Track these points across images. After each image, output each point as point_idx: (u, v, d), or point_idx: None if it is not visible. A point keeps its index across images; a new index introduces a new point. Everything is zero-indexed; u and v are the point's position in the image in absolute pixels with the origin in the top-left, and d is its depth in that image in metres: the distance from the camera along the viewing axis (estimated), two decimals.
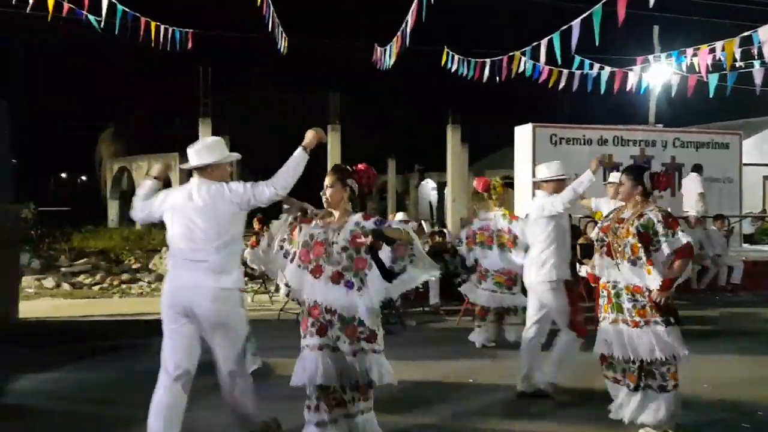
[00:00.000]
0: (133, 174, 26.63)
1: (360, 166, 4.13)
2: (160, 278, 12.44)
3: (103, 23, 8.23)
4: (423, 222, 10.92)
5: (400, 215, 9.88)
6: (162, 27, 9.40)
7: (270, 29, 9.83)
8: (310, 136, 4.02)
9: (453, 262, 9.96)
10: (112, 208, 27.57)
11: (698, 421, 4.69)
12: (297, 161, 3.92)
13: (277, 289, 9.70)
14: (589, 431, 4.54)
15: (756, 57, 9.23)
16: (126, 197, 27.81)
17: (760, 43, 7.42)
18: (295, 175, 3.91)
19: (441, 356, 6.66)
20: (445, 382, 5.65)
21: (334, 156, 17.38)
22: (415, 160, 28.76)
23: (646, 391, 4.38)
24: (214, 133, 20.53)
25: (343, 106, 17.57)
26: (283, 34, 10.57)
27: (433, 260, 9.30)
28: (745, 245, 14.04)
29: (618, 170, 11.79)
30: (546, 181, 5.28)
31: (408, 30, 7.39)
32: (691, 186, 12.18)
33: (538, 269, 5.13)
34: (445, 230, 11.74)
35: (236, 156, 4.19)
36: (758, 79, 9.25)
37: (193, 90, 18.38)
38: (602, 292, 4.54)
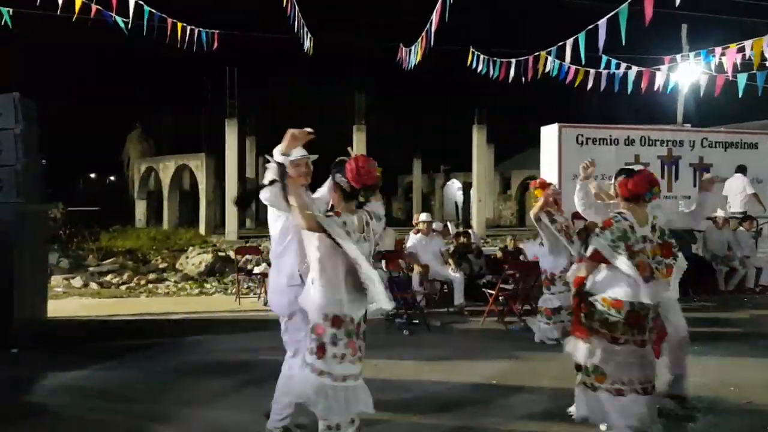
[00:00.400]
0: (159, 174, 27.00)
1: (353, 158, 3.72)
2: (186, 278, 12.59)
3: (130, 24, 8.35)
4: (448, 223, 10.89)
5: (424, 216, 9.87)
6: (188, 28, 9.52)
7: (296, 30, 9.89)
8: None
9: (478, 263, 9.94)
10: (140, 208, 27.98)
11: (725, 424, 4.62)
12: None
13: None
14: None
15: None
16: (153, 197, 28.23)
17: None
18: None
19: (465, 357, 6.64)
20: (468, 383, 5.64)
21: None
22: (441, 161, 28.70)
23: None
24: (240, 134, 20.85)
25: (369, 106, 17.63)
26: (309, 35, 10.62)
27: (458, 261, 9.36)
28: None
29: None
30: None
31: (432, 30, 7.38)
32: (735, 186, 11.96)
33: None
34: (470, 231, 11.70)
35: None
36: None
37: (219, 91, 18.56)
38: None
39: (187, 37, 9.52)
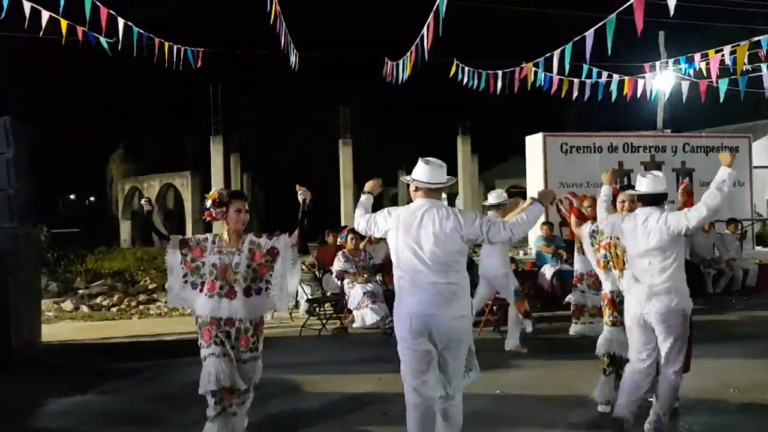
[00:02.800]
0: (144, 193, 26.82)
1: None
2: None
3: (120, 45, 8.36)
4: None
5: None
6: (175, 47, 9.55)
7: (282, 45, 9.95)
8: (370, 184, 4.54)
9: (470, 274, 9.99)
10: (124, 229, 27.71)
11: (729, 426, 4.71)
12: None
13: (297, 306, 9.76)
14: None
15: (764, 60, 9.31)
16: (138, 217, 27.97)
17: None
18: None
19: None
20: (473, 394, 5.66)
21: (345, 169, 17.50)
22: None
23: None
24: (226, 150, 20.80)
25: (355, 120, 17.69)
26: (294, 50, 10.69)
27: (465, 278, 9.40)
28: (758, 248, 14.03)
29: (628, 177, 11.92)
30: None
31: (425, 45, 7.47)
32: None
33: None
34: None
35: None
36: (767, 82, 9.32)
37: (204, 108, 18.53)
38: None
39: (174, 56, 9.56)
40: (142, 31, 8.62)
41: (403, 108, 19.76)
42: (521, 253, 12.69)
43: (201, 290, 4.32)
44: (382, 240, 4.58)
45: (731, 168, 4.32)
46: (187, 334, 8.79)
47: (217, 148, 19.21)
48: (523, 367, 6.67)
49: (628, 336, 4.63)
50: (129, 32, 8.34)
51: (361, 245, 9.01)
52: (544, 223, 10.21)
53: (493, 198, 7.58)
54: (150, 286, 13.95)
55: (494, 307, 8.46)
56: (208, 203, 4.30)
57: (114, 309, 11.66)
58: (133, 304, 11.98)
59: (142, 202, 4.66)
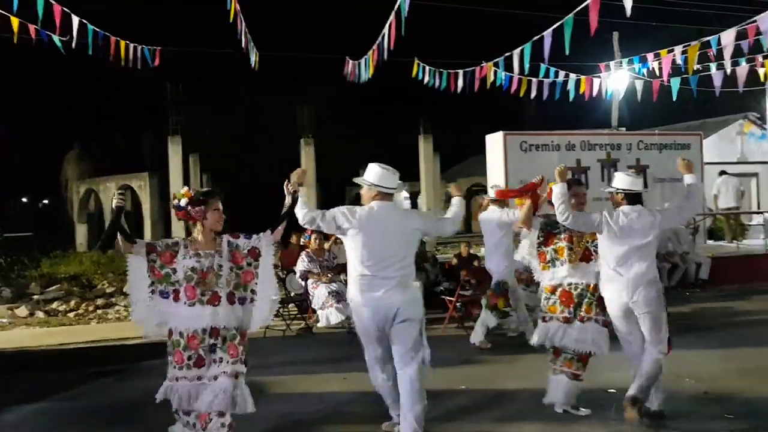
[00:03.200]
0: (100, 195, 26.22)
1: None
2: None
3: (74, 43, 8.18)
4: None
5: None
6: (131, 45, 9.38)
7: (243, 44, 9.86)
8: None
9: (433, 271, 10.09)
10: (80, 232, 27.06)
11: (685, 414, 4.87)
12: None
13: None
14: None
15: (714, 60, 9.62)
16: (94, 220, 27.36)
17: (719, 47, 7.76)
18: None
19: (434, 365, 6.71)
20: (438, 390, 5.73)
21: (308, 169, 17.41)
22: None
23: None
24: (184, 151, 20.49)
25: (317, 119, 17.62)
26: (255, 49, 10.61)
27: (415, 269, 9.49)
28: (710, 241, 14.48)
29: (586, 174, 12.19)
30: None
31: (386, 44, 7.50)
32: (730, 184, 14.53)
33: None
34: (423, 240, 11.84)
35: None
36: (717, 81, 9.63)
37: (161, 108, 18.23)
38: (549, 294, 5.14)
39: (130, 54, 9.39)
40: (97, 29, 8.45)
41: (366, 107, 19.80)
42: (482, 249, 12.83)
43: (176, 299, 3.94)
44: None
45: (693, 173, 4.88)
46: (147, 337, 8.68)
47: (175, 148, 18.92)
48: (487, 362, 6.77)
49: (617, 325, 4.86)
50: (83, 30, 8.17)
51: (326, 245, 9.01)
52: None
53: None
54: (108, 290, 13.67)
55: (458, 304, 8.55)
56: (183, 202, 3.96)
57: (71, 314, 11.39)
58: (91, 308, 11.72)
59: (115, 195, 4.11)
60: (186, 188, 4.13)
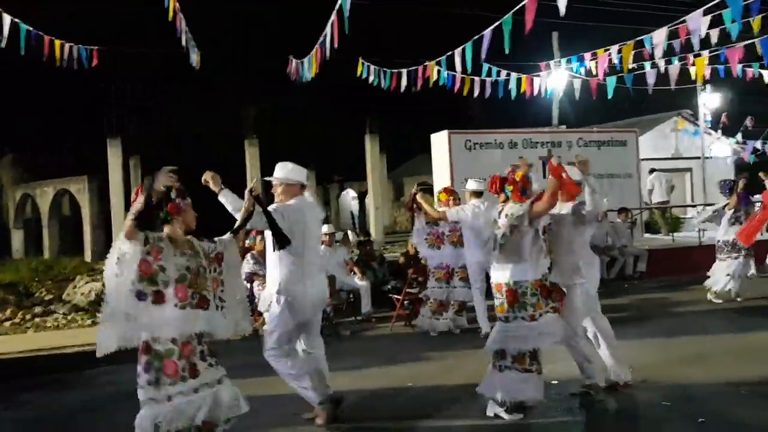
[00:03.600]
0: (37, 200, 25.30)
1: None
2: (76, 309, 11.87)
3: (4, 42, 7.85)
4: (348, 231, 11.00)
5: (325, 227, 9.92)
6: (67, 45, 9.07)
7: (183, 43, 9.66)
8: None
9: (381, 270, 10.12)
10: (17, 238, 26.04)
11: (625, 402, 5.02)
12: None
13: None
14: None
15: (648, 59, 9.94)
16: (30, 225, 26.36)
17: (652, 46, 8.03)
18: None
19: (379, 363, 6.75)
20: (384, 388, 5.76)
21: (253, 170, 17.22)
22: (334, 171, 28.84)
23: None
24: (125, 153, 19.96)
25: (261, 119, 17.40)
26: (196, 48, 10.41)
27: (363, 269, 9.53)
28: (647, 235, 15.00)
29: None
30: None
31: (328, 43, 7.47)
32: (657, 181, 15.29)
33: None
34: (371, 239, 11.88)
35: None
36: (651, 79, 9.96)
37: (100, 110, 17.68)
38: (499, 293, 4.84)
39: (65, 55, 9.09)
40: (30, 29, 8.14)
41: (312, 107, 19.60)
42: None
43: (158, 302, 3.54)
44: None
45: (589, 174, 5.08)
46: (88, 345, 8.41)
47: (114, 151, 18.39)
48: (434, 359, 6.83)
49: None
50: (16, 30, 7.86)
51: None
52: None
53: (473, 185, 7.64)
54: (46, 298, 13.22)
55: (405, 302, 8.60)
56: (174, 194, 3.69)
57: (7, 323, 10.96)
58: (28, 317, 11.30)
59: (163, 173, 3.74)
60: (170, 179, 3.83)
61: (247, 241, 9.17)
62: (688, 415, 4.71)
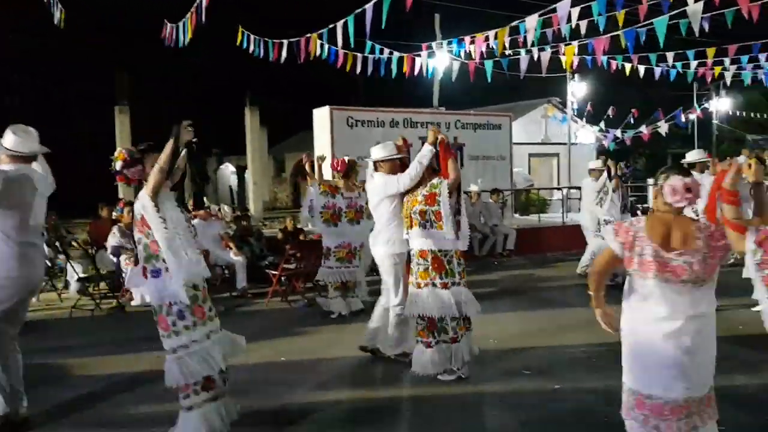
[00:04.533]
0: None
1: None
2: None
3: None
4: (225, 207, 10.71)
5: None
6: None
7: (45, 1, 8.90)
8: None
9: (258, 246, 9.95)
10: None
11: (488, 372, 5.27)
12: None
13: (67, 286, 8.97)
14: (438, 388, 4.89)
15: (522, 45, 10.38)
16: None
17: (525, 32, 8.36)
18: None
19: (254, 338, 6.60)
20: (260, 363, 5.68)
21: (123, 139, 16.24)
22: (213, 144, 27.92)
23: (440, 345, 5.03)
24: None
25: (134, 86, 16.41)
26: (59, 6, 9.62)
27: (239, 245, 9.33)
28: (516, 215, 15.79)
29: (409, 152, 12.64)
30: (384, 161, 5.41)
31: (203, 6, 7.15)
32: None
33: (384, 245, 5.40)
34: (248, 214, 11.64)
35: None
36: (524, 65, 10.38)
37: None
38: (420, 260, 5.03)
39: None
40: None
41: (188, 75, 18.76)
42: (309, 225, 12.89)
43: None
44: None
45: (431, 146, 5.12)
46: None
47: None
48: (309, 333, 6.83)
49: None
50: None
51: None
52: None
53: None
54: None
55: (282, 277, 8.52)
56: (118, 165, 3.74)
57: None
58: None
59: (185, 127, 3.79)
60: (120, 150, 3.82)
61: (113, 213, 8.69)
62: (546, 381, 5.01)
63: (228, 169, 31.33)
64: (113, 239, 8.23)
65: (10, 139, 4.22)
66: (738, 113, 26.19)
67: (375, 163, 5.48)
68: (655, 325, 2.97)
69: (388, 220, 5.38)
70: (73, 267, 8.57)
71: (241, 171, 26.31)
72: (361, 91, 23.72)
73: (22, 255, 4.11)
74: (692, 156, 8.66)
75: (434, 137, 5.15)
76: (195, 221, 9.22)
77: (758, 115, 26.46)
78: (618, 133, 20.49)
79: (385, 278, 5.50)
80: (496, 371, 5.32)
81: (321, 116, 12.58)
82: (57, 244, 9.39)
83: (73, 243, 9.48)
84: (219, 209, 10.58)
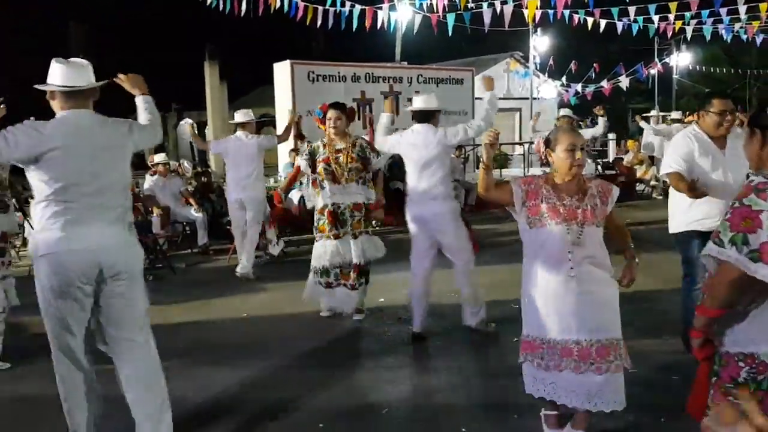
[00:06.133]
0: None
1: None
2: None
3: None
4: (185, 162, 10.59)
5: (159, 156, 9.49)
6: None
7: None
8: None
9: (219, 202, 9.90)
10: None
11: (447, 325, 5.40)
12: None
13: (25, 244, 8.82)
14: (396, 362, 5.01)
15: None
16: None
17: None
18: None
19: (216, 296, 6.68)
20: (221, 319, 5.73)
21: None
22: (172, 99, 27.29)
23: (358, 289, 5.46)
24: None
25: (88, 39, 15.83)
26: None
27: (200, 201, 9.27)
28: (477, 170, 15.92)
29: (370, 106, 12.54)
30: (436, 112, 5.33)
31: None
32: None
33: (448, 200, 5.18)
34: (209, 170, 11.53)
35: None
36: (487, 18, 10.36)
37: None
38: (321, 216, 5.41)
39: None
40: None
41: (146, 28, 18.11)
42: (272, 180, 12.83)
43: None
44: None
45: (492, 91, 5.25)
46: None
47: None
48: (271, 290, 6.88)
49: (416, 242, 5.10)
50: None
51: None
52: (292, 150, 10.38)
53: (241, 116, 7.58)
54: None
55: None
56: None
57: None
58: None
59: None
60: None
61: None
62: (502, 332, 5.16)
63: (188, 125, 30.78)
64: None
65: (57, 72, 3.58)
66: (698, 68, 26.63)
67: (425, 113, 5.27)
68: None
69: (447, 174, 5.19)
70: (30, 224, 8.42)
71: (201, 126, 25.82)
72: (322, 46, 23.32)
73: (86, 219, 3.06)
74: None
75: (491, 85, 5.30)
76: (154, 178, 9.17)
77: (718, 70, 26.94)
78: (579, 87, 20.67)
79: (449, 241, 5.09)
80: (455, 326, 5.42)
81: (282, 71, 12.40)
82: (14, 201, 9.17)
83: (30, 199, 9.28)
84: (179, 165, 10.47)
